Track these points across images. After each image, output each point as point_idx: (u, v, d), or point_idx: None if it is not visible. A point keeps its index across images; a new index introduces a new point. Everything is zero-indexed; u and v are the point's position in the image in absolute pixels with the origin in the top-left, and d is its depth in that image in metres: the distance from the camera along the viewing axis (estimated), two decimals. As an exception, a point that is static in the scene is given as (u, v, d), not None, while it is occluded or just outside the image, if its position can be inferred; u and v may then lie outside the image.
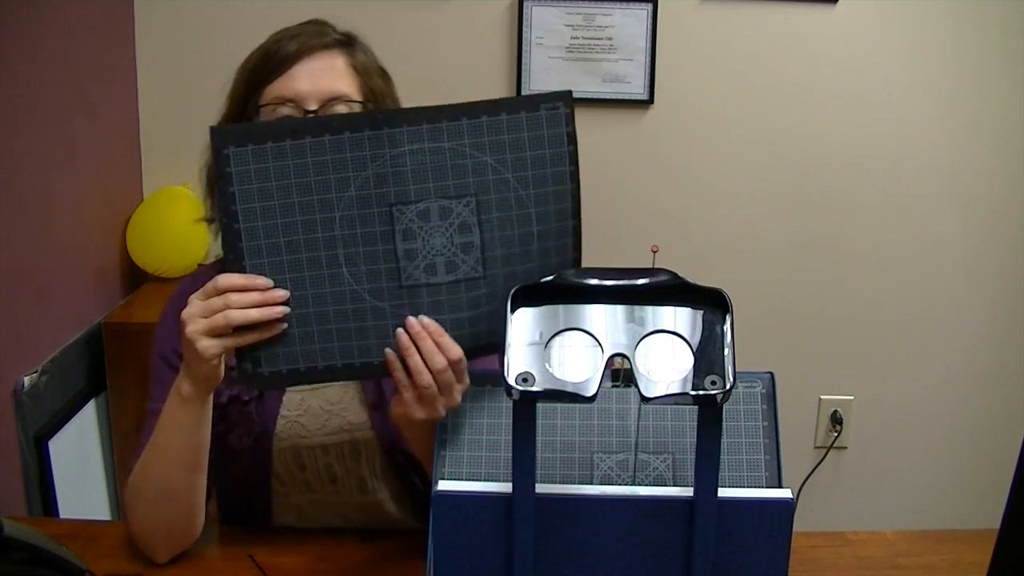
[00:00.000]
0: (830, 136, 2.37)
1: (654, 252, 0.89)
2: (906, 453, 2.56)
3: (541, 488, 0.85)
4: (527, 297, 0.86)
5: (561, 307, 0.85)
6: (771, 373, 1.03)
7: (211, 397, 1.12)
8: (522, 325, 0.84)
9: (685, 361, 0.82)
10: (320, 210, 0.99)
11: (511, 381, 0.81)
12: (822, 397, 2.53)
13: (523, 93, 2.30)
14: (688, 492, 0.85)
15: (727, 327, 0.83)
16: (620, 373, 0.97)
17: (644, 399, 0.81)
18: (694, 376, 0.81)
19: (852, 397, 2.52)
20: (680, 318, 0.84)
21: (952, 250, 2.44)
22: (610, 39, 2.29)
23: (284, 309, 1.00)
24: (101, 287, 2.11)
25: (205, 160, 1.21)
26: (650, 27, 2.28)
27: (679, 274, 0.85)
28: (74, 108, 1.98)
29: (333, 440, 1.26)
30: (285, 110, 1.16)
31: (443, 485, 0.88)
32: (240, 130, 1.02)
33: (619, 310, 0.85)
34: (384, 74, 1.26)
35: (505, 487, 0.85)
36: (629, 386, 0.99)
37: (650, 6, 2.27)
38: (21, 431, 1.78)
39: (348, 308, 1.01)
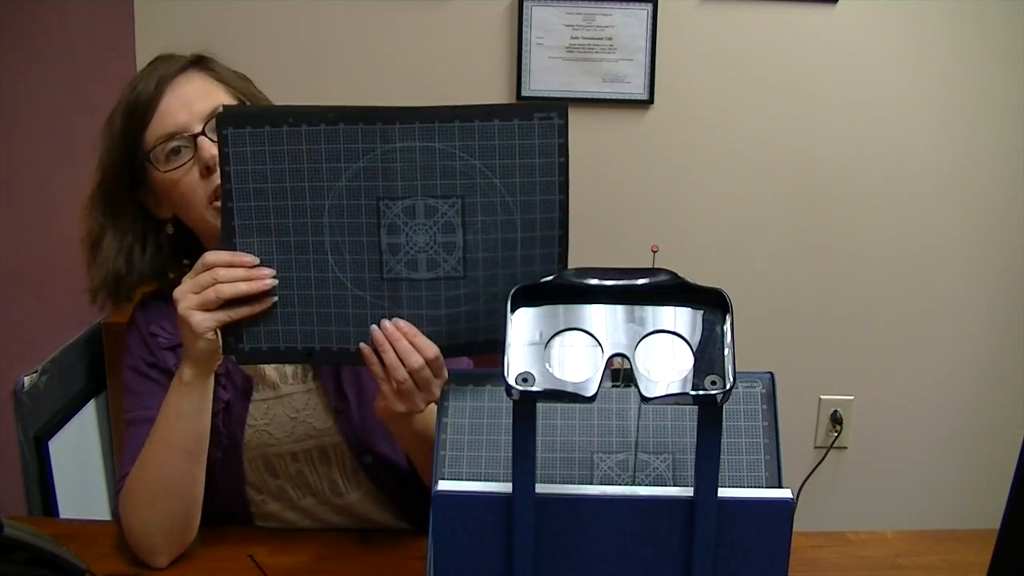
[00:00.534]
0: (830, 136, 2.37)
1: (654, 252, 0.89)
2: (906, 453, 2.56)
3: (541, 488, 0.85)
4: (527, 297, 0.86)
5: (561, 307, 0.85)
6: (771, 373, 1.03)
7: (211, 383, 1.13)
8: (522, 325, 0.84)
9: (685, 361, 0.82)
10: (311, 197, 1.02)
11: (511, 381, 0.81)
12: (822, 397, 2.53)
13: (523, 93, 2.30)
14: (688, 492, 0.85)
15: (727, 327, 0.83)
16: (620, 373, 0.97)
17: (644, 399, 0.81)
18: (694, 376, 0.81)
19: (852, 397, 2.52)
20: (680, 318, 0.84)
21: (952, 250, 2.44)
22: (610, 39, 2.29)
23: (273, 281, 1.03)
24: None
25: (88, 226, 1.22)
26: (650, 27, 2.28)
27: (679, 274, 0.85)
28: (74, 108, 1.97)
29: (301, 447, 1.26)
30: (172, 144, 1.17)
31: (443, 485, 0.88)
32: (242, 112, 1.05)
33: (619, 310, 0.85)
34: (244, 77, 1.27)
35: (505, 487, 0.85)
36: (629, 386, 0.99)
37: (650, 6, 2.27)
38: (21, 431, 1.78)
39: (330, 294, 1.03)
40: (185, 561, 1.18)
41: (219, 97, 1.19)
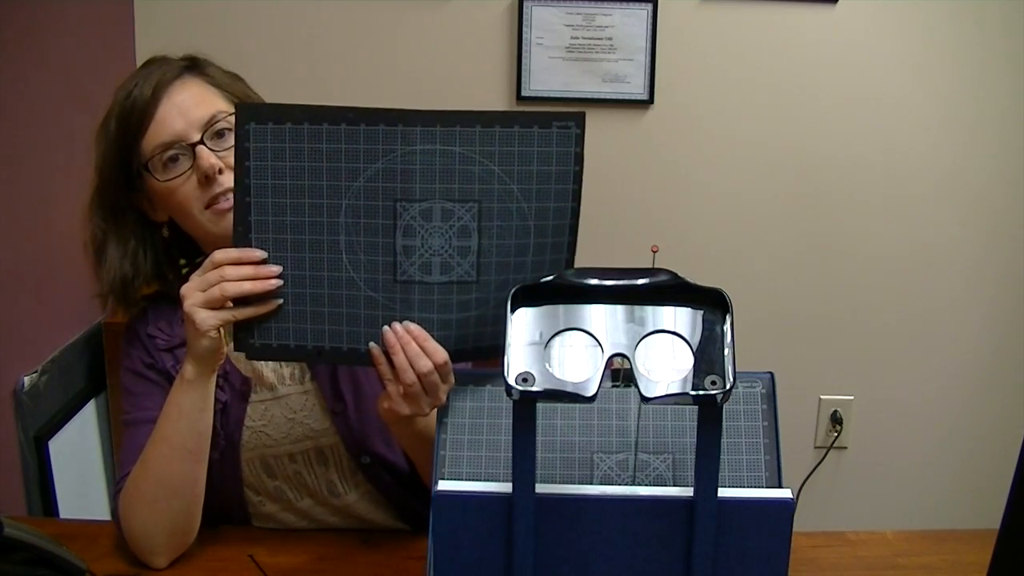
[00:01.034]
0: (830, 136, 2.37)
1: (654, 252, 0.89)
2: (906, 453, 2.56)
3: (541, 488, 0.85)
4: (527, 297, 0.86)
5: (561, 307, 0.85)
6: (771, 373, 1.03)
7: (213, 381, 1.13)
8: (522, 325, 0.84)
9: (685, 361, 0.82)
10: (328, 195, 1.01)
11: (511, 381, 0.81)
12: (822, 397, 2.53)
13: (523, 93, 2.31)
14: (688, 492, 0.85)
15: (727, 327, 0.83)
16: (620, 373, 0.98)
17: (644, 399, 0.81)
18: (694, 376, 0.81)
19: (852, 397, 2.52)
20: (680, 318, 0.84)
21: (952, 250, 2.44)
22: (610, 39, 2.29)
23: (277, 282, 1.03)
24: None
25: (90, 231, 1.22)
26: (650, 27, 2.28)
27: (679, 274, 0.85)
28: (74, 108, 1.97)
29: (299, 448, 1.26)
30: (170, 153, 1.16)
31: (443, 485, 0.88)
32: (264, 108, 1.05)
33: (619, 310, 0.85)
34: (236, 77, 1.26)
35: (505, 487, 0.85)
36: (629, 386, 0.99)
37: (650, 6, 2.27)
38: (21, 431, 1.78)
39: (343, 294, 1.03)
40: (185, 561, 1.18)
41: (216, 103, 1.19)
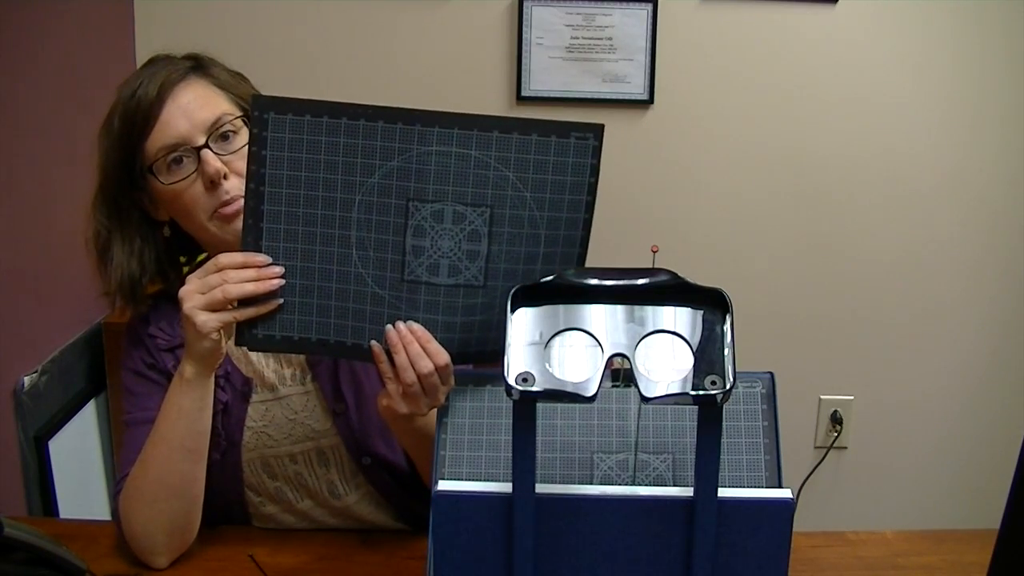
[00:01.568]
0: (830, 136, 2.37)
1: (654, 252, 0.89)
2: (906, 453, 2.56)
3: (541, 488, 0.85)
4: (527, 297, 0.86)
5: (561, 307, 0.85)
6: (771, 373, 1.03)
7: (212, 381, 1.13)
8: (522, 325, 0.84)
9: (685, 361, 0.82)
10: (342, 190, 1.01)
11: (511, 381, 0.81)
12: (822, 397, 2.53)
13: (523, 93, 2.31)
14: (688, 492, 0.85)
15: (727, 327, 0.83)
16: (620, 373, 0.98)
17: (644, 399, 0.81)
18: (694, 376, 0.81)
19: (852, 397, 2.52)
20: (680, 318, 0.84)
21: (952, 250, 2.44)
22: (610, 39, 2.28)
23: (280, 282, 1.03)
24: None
25: (93, 229, 1.21)
26: (650, 27, 2.28)
27: (679, 274, 0.85)
28: (74, 108, 1.97)
29: (300, 448, 1.26)
30: (175, 155, 1.16)
31: (443, 485, 0.88)
32: (283, 100, 1.04)
33: (619, 310, 0.85)
34: (241, 77, 1.26)
35: (505, 487, 0.85)
36: (629, 386, 0.99)
37: (650, 6, 2.27)
38: (21, 431, 1.78)
39: (350, 289, 1.03)
40: (185, 561, 1.18)
41: (221, 105, 1.18)
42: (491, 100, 2.32)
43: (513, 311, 0.85)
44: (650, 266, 0.86)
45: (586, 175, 1.02)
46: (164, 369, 1.24)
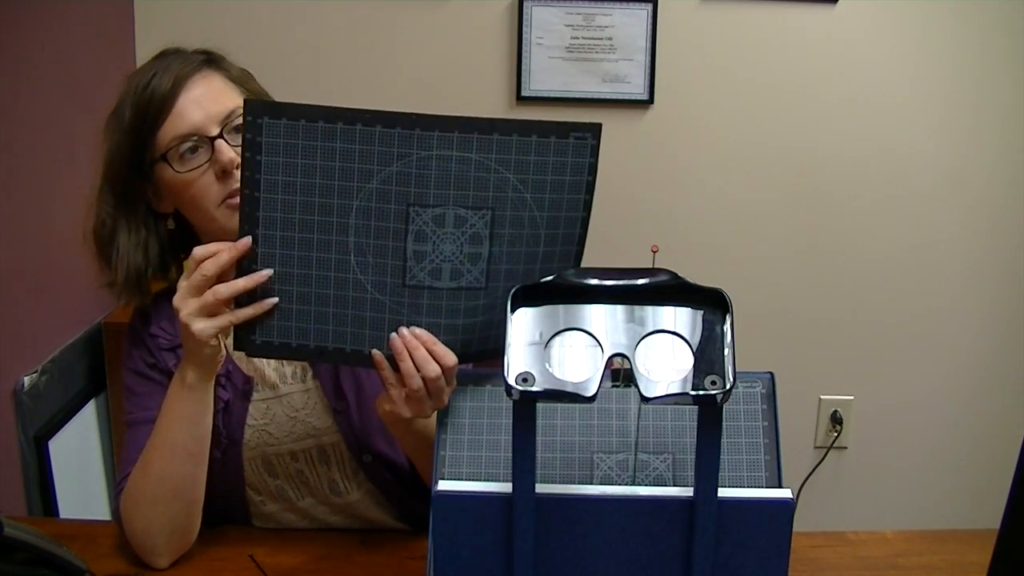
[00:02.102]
0: (830, 136, 2.37)
1: (654, 252, 0.89)
2: (906, 453, 2.56)
3: (541, 488, 0.85)
4: (527, 297, 0.86)
5: (561, 307, 0.85)
6: (771, 373, 1.03)
7: (212, 385, 1.13)
8: (522, 325, 0.84)
9: (685, 361, 0.82)
10: (339, 196, 1.01)
11: (511, 381, 0.81)
12: (822, 397, 2.53)
13: (523, 93, 2.31)
14: (688, 492, 0.85)
15: (727, 327, 0.83)
16: (620, 373, 0.98)
17: (644, 399, 0.81)
18: (694, 376, 0.81)
19: (852, 397, 2.53)
20: (680, 318, 0.84)
21: (952, 250, 2.44)
22: (610, 39, 2.29)
23: (268, 272, 1.02)
24: (101, 287, 2.11)
25: (91, 224, 1.21)
26: (650, 27, 2.28)
27: (679, 274, 0.85)
28: (74, 108, 1.97)
29: (300, 446, 1.26)
30: (189, 145, 1.16)
31: (443, 485, 0.88)
32: (277, 104, 1.03)
33: (619, 310, 0.85)
34: (250, 75, 1.26)
35: (505, 487, 0.85)
36: (629, 386, 0.99)
37: (650, 6, 2.27)
38: (21, 431, 1.78)
39: (349, 295, 1.03)
40: (185, 561, 1.18)
41: (234, 99, 1.19)
42: (491, 100, 2.32)
43: (513, 311, 0.85)
44: (650, 266, 0.86)
45: (584, 174, 1.02)
46: (166, 368, 1.24)
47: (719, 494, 0.84)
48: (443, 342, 1.03)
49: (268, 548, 1.22)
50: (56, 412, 1.89)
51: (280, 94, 1.28)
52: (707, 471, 0.83)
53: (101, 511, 2.04)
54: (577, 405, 1.00)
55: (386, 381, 1.04)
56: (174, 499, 1.14)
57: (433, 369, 1.01)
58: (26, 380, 1.79)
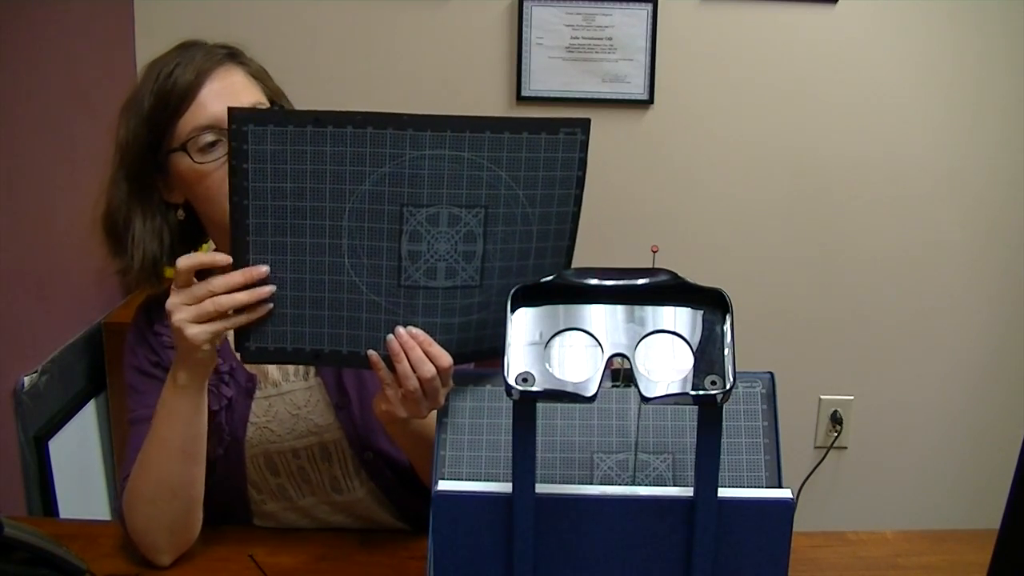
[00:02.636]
0: (830, 136, 2.37)
1: (654, 252, 0.89)
2: (906, 453, 2.56)
3: (541, 488, 0.85)
4: (527, 297, 0.86)
5: (561, 307, 0.85)
6: (771, 373, 1.03)
7: (206, 386, 1.13)
8: (522, 325, 0.84)
9: (685, 361, 0.82)
10: (331, 199, 1.00)
11: (511, 381, 0.81)
12: (822, 397, 2.53)
13: (523, 93, 2.31)
14: (688, 492, 0.85)
15: (727, 327, 0.83)
16: (620, 373, 0.98)
17: (644, 399, 0.81)
18: (694, 376, 0.81)
19: (852, 397, 2.53)
20: (680, 318, 0.84)
21: (952, 250, 2.44)
22: (610, 39, 2.29)
23: (271, 288, 1.02)
24: (101, 287, 2.11)
25: (102, 210, 1.21)
26: (650, 27, 2.28)
27: (679, 274, 0.85)
28: (74, 108, 1.98)
29: (302, 443, 1.26)
30: (209, 137, 1.15)
31: (443, 485, 0.88)
32: (261, 112, 1.03)
33: (619, 310, 0.85)
34: (267, 72, 1.27)
35: (505, 487, 0.85)
36: (629, 386, 0.99)
37: (650, 6, 2.27)
38: (21, 431, 1.78)
39: (344, 297, 1.03)
40: (185, 561, 1.18)
41: (255, 94, 1.19)
42: (491, 100, 2.32)
43: (513, 311, 0.85)
44: (650, 266, 0.86)
45: (575, 169, 1.03)
46: (169, 366, 1.24)
47: (719, 494, 0.84)
48: (439, 341, 1.03)
49: (268, 548, 1.22)
50: (56, 412, 1.89)
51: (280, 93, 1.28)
52: (707, 471, 0.83)
53: (101, 511, 2.04)
54: (577, 405, 1.00)
55: (383, 381, 1.04)
56: (172, 498, 1.14)
57: (429, 370, 1.01)
58: (26, 380, 1.79)
